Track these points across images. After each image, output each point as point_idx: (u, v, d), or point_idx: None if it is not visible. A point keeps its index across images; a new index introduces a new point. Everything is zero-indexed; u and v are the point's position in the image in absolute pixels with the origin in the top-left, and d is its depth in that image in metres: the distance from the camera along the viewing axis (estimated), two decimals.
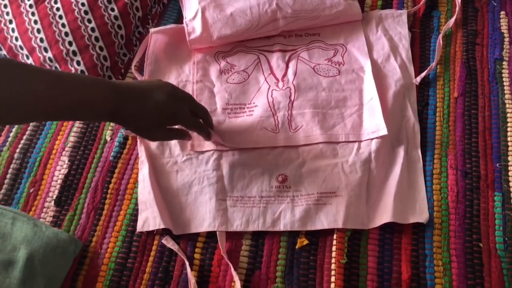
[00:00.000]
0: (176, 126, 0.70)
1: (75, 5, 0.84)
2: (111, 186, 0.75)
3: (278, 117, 0.77)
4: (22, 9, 0.85)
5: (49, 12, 0.84)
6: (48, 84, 0.55)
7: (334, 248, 0.67)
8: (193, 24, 0.82)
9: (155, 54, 0.85)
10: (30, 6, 0.85)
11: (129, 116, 0.62)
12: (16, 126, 0.82)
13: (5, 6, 0.86)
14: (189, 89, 0.81)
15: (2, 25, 0.86)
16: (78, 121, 0.82)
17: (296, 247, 0.68)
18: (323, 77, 0.80)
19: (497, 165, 0.71)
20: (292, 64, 0.82)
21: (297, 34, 0.86)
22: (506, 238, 0.66)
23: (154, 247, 0.70)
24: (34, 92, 0.53)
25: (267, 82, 0.81)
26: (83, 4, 0.84)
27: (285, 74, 0.81)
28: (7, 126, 0.82)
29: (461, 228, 0.67)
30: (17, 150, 0.80)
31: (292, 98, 0.78)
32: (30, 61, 0.84)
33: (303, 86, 0.79)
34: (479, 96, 0.78)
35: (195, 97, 0.79)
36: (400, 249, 0.67)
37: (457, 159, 0.72)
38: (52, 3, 0.85)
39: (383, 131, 0.73)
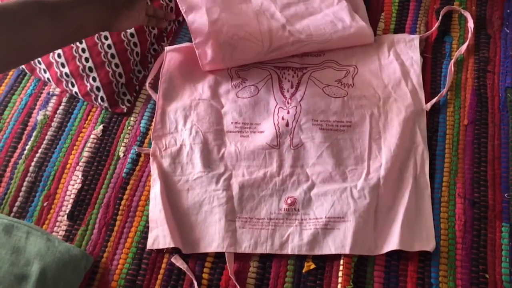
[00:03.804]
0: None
1: None
2: (123, 202, 0.77)
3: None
4: None
5: None
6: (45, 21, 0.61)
7: (340, 273, 0.68)
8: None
9: (170, 72, 0.86)
10: None
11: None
12: (32, 139, 0.84)
13: None
14: (201, 108, 0.82)
15: None
16: (91, 137, 0.83)
17: (303, 271, 0.69)
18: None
19: (506, 195, 0.72)
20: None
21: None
22: None
23: (163, 265, 0.71)
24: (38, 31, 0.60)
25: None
26: None
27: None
28: (23, 138, 0.84)
29: (467, 258, 0.68)
30: (32, 163, 0.82)
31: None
32: (47, 75, 0.86)
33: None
34: (489, 124, 0.78)
35: (205, 115, 0.81)
36: (406, 277, 0.68)
37: (465, 188, 0.73)
38: None
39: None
